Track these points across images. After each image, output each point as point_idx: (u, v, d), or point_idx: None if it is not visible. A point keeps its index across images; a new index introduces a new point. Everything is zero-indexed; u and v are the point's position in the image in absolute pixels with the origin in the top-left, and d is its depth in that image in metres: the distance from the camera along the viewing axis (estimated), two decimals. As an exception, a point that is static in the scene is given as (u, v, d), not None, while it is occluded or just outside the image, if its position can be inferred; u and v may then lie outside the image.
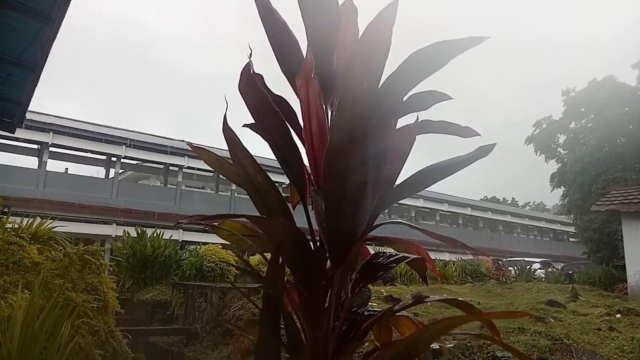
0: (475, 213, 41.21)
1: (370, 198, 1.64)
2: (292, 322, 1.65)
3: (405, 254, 1.72)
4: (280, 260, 1.60)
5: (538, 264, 22.58)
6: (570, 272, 19.47)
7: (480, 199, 53.96)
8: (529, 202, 79.67)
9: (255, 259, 10.84)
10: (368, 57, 1.49)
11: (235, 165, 1.76)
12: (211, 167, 1.98)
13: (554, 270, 20.64)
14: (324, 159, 1.60)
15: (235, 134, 1.74)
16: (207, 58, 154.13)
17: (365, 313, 1.75)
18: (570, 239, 46.11)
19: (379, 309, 1.81)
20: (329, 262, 1.76)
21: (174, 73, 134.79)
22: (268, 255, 1.65)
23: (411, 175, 1.88)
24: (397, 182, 1.91)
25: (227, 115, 1.75)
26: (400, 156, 1.87)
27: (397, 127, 1.90)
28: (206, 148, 1.97)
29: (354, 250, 1.66)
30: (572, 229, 33.33)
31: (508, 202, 72.96)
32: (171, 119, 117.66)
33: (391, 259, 1.69)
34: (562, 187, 22.17)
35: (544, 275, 17.69)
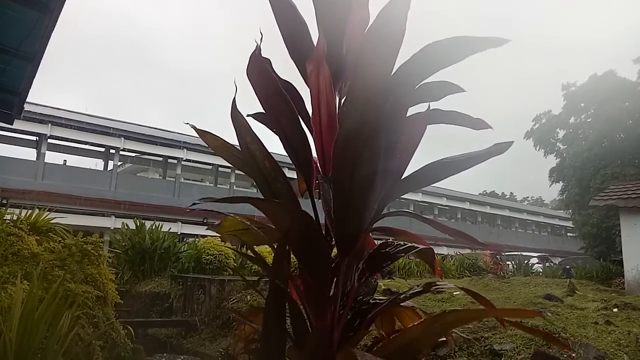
0: (473, 207, 41.27)
1: (379, 188, 1.60)
2: (297, 310, 1.64)
3: (414, 244, 1.69)
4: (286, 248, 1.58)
5: (536, 258, 22.63)
6: (567, 266, 19.48)
7: (479, 194, 54.01)
8: (528, 197, 79.74)
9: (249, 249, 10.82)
10: (381, 44, 1.45)
11: (243, 150, 1.73)
12: (216, 152, 1.94)
13: (552, 264, 20.70)
14: (334, 147, 1.56)
15: (244, 118, 1.71)
16: (205, 52, 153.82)
17: (371, 301, 1.73)
18: (568, 234, 46.22)
19: (384, 298, 1.79)
20: (334, 251, 1.74)
21: (171, 68, 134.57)
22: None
23: (422, 167, 1.82)
24: (406, 174, 1.87)
25: (235, 101, 1.71)
26: (410, 146, 1.82)
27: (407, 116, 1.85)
28: (212, 133, 1.93)
29: (362, 239, 1.64)
30: (570, 224, 33.35)
31: (506, 197, 73.05)
32: (167, 113, 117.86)
33: (399, 248, 1.66)
34: (560, 182, 22.18)
35: (541, 270, 17.73)
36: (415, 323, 1.63)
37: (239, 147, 1.88)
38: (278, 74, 2.00)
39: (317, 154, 1.91)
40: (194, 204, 1.73)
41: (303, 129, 1.83)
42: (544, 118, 23.55)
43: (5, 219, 5.71)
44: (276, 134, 1.84)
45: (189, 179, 31.72)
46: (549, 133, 23.20)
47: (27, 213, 6.71)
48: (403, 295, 1.66)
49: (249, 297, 8.70)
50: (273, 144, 2.14)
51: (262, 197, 1.82)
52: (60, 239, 6.06)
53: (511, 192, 79.69)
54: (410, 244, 1.69)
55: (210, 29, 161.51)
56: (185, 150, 26.20)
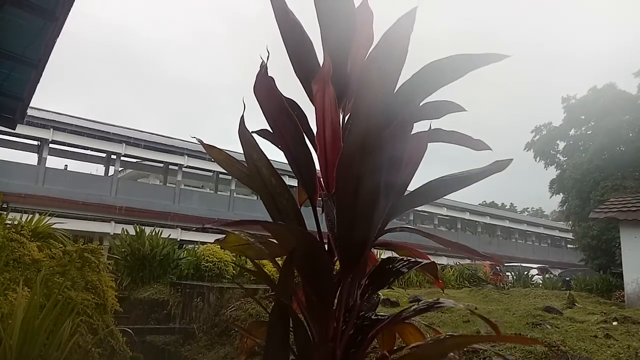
0: (473, 218, 41.22)
1: (382, 205, 1.62)
2: (301, 326, 1.65)
3: (417, 259, 1.71)
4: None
5: (535, 269, 22.56)
6: (567, 278, 19.43)
7: (479, 204, 53.96)
8: (528, 208, 79.75)
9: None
10: (384, 66, 1.48)
11: (250, 167, 1.75)
12: (222, 166, 1.96)
13: (552, 276, 20.63)
14: (337, 166, 1.59)
15: (251, 135, 1.73)
16: (204, 64, 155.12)
17: (373, 317, 1.74)
18: (568, 246, 46.14)
19: (386, 314, 1.80)
20: (337, 265, 1.75)
21: (171, 78, 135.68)
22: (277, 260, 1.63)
23: (424, 184, 1.87)
24: (409, 190, 1.89)
25: (243, 118, 1.74)
26: (413, 164, 1.86)
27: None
28: (217, 147, 1.96)
29: (365, 256, 1.65)
30: (570, 236, 33.35)
31: (506, 208, 73.01)
32: (166, 122, 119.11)
33: (403, 264, 1.68)
34: (561, 193, 22.20)
35: (541, 281, 17.68)
36: (417, 344, 1.63)
37: (241, 160, 1.91)
38: (277, 83, 2.03)
39: (320, 171, 1.93)
40: (204, 226, 1.74)
41: (307, 146, 1.86)
42: (544, 129, 23.64)
43: (7, 224, 5.72)
44: (281, 150, 1.86)
45: (189, 186, 31.72)
46: (549, 145, 23.28)
47: (28, 218, 6.72)
48: (405, 314, 1.66)
49: (247, 305, 8.68)
50: (275, 152, 2.17)
51: (264, 205, 1.85)
52: (61, 244, 6.07)
53: (511, 203, 79.79)
54: (413, 260, 1.71)
55: (210, 42, 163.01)
56: (186, 156, 26.25)
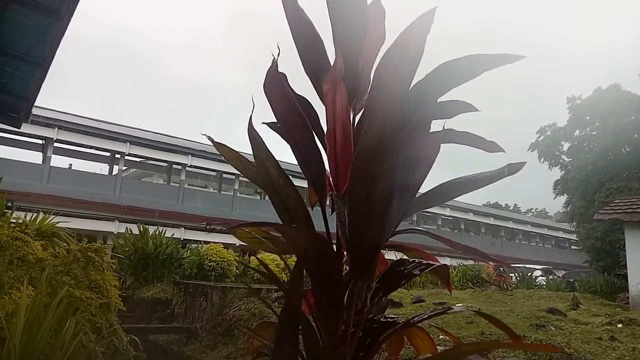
0: (477, 218, 41.14)
1: (396, 207, 1.60)
2: (310, 328, 1.63)
3: (429, 262, 1.70)
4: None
5: (539, 271, 22.54)
6: (571, 280, 19.40)
7: (483, 205, 53.82)
8: (532, 209, 79.64)
9: (255, 257, 10.82)
10: (400, 67, 1.46)
11: (258, 166, 1.74)
12: (231, 164, 1.95)
13: (555, 277, 20.59)
14: (351, 167, 1.56)
15: (259, 135, 1.71)
16: (205, 66, 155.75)
17: (382, 320, 1.72)
18: (572, 247, 46.03)
19: (392, 315, 1.79)
20: (345, 267, 1.73)
21: (173, 78, 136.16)
22: (286, 257, 1.60)
23: (437, 186, 1.85)
24: (421, 191, 1.88)
25: (251, 118, 1.72)
26: (426, 164, 1.84)
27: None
28: (227, 145, 1.94)
29: (376, 258, 1.63)
30: (574, 237, 33.25)
31: (510, 208, 72.82)
32: (169, 122, 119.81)
33: (414, 267, 1.66)
34: (565, 194, 22.10)
35: (545, 283, 17.65)
36: (429, 356, 1.59)
37: (250, 158, 1.89)
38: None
39: (330, 171, 1.91)
40: (209, 226, 1.72)
41: (317, 145, 1.84)
42: (549, 130, 23.56)
43: (11, 223, 5.73)
44: (291, 149, 1.85)
45: (193, 185, 31.75)
46: (554, 145, 23.20)
47: (32, 217, 6.73)
48: (417, 318, 1.64)
49: (250, 305, 8.67)
50: (284, 153, 2.14)
51: (273, 205, 1.83)
52: (65, 243, 6.08)
53: (515, 204, 79.67)
54: (425, 262, 1.69)
55: (215, 41, 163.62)
56: (190, 156, 26.25)
